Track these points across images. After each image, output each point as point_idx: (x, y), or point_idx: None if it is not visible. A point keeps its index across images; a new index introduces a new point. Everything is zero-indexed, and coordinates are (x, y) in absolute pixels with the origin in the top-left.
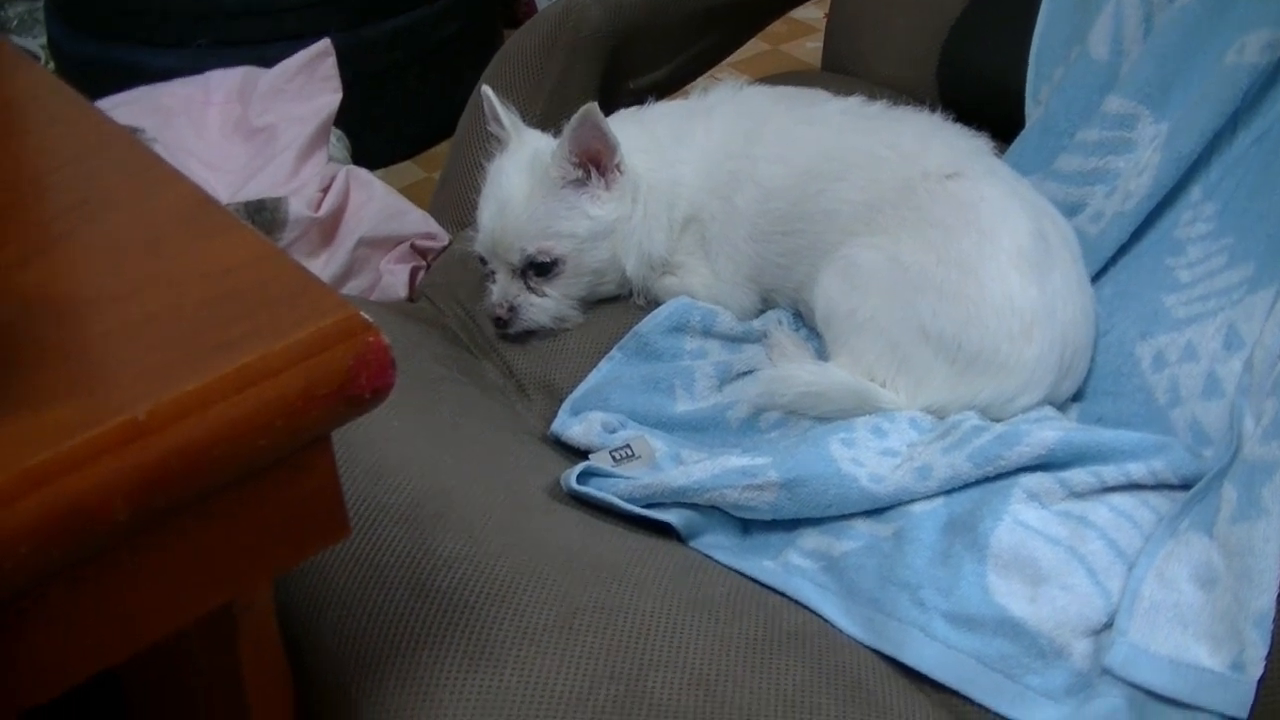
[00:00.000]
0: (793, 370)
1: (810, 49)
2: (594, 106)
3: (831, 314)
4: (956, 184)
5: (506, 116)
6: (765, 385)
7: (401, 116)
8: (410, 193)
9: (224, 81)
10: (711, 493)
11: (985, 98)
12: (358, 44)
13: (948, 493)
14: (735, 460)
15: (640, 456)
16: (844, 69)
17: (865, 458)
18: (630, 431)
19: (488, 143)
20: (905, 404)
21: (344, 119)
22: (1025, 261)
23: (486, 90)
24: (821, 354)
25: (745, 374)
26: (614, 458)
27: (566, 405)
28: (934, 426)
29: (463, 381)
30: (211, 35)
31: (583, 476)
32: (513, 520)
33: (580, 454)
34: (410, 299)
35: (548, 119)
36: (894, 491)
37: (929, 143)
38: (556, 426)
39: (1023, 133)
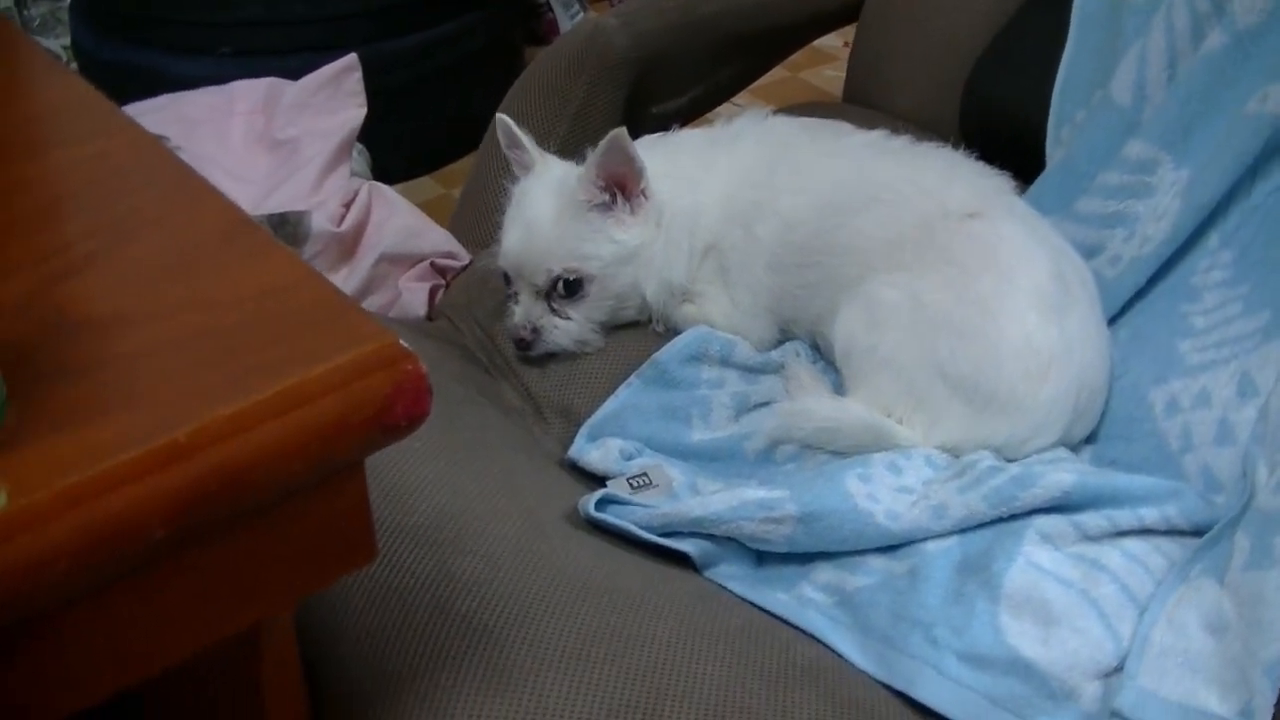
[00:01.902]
0: (810, 405)
1: (829, 77)
2: (623, 131)
3: (850, 350)
4: (977, 223)
5: (529, 142)
6: (782, 418)
7: (421, 132)
8: (427, 208)
9: (249, 92)
10: (728, 524)
11: (1007, 135)
12: (380, 58)
13: (962, 532)
14: (753, 493)
15: (657, 485)
16: (866, 100)
17: (881, 494)
18: (647, 459)
19: (509, 165)
20: (921, 441)
21: (363, 132)
22: (1044, 303)
23: (504, 118)
24: (838, 387)
25: (762, 405)
26: (631, 485)
27: (584, 431)
28: (949, 465)
29: (481, 403)
30: (235, 44)
31: (600, 503)
32: (531, 545)
33: (597, 479)
34: (429, 317)
35: (569, 144)
36: (909, 529)
37: (951, 180)
38: (574, 452)
39: (1044, 173)
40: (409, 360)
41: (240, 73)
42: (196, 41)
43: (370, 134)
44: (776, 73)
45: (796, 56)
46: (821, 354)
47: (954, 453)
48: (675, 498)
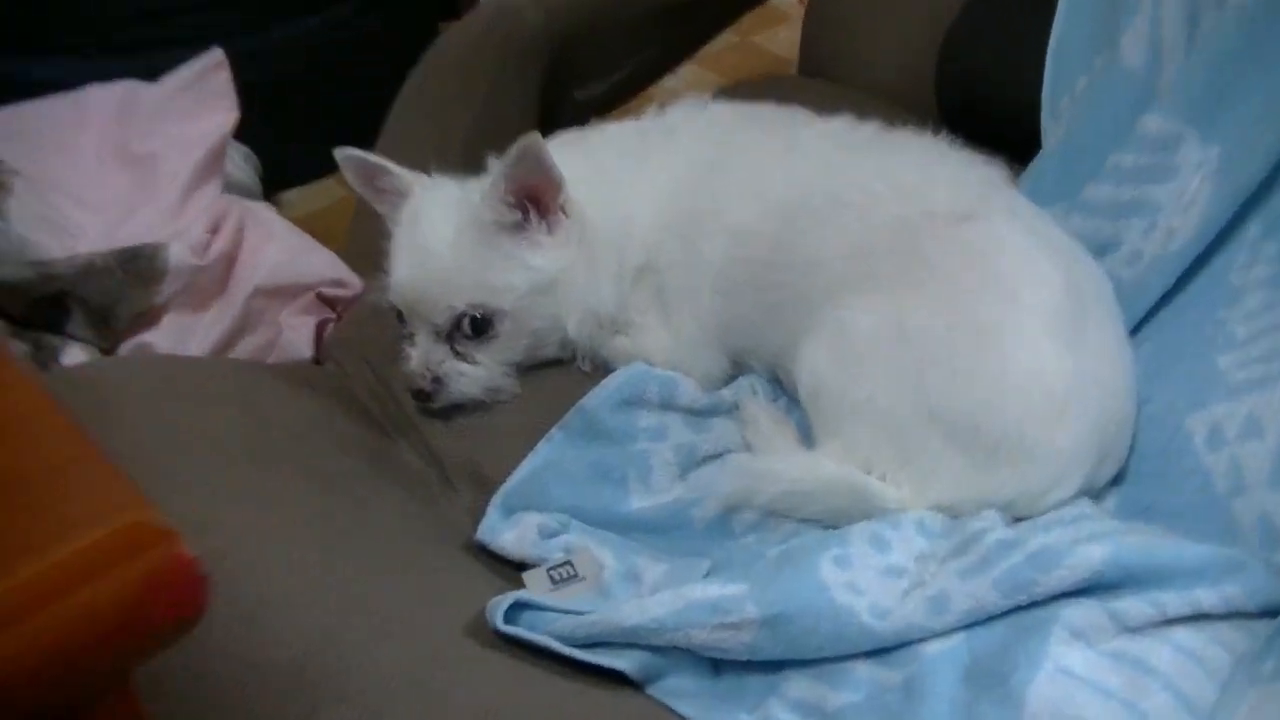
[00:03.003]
0: (773, 465)
1: (784, 39)
2: (536, 137)
3: (819, 391)
4: (970, 228)
5: (393, 165)
6: (739, 480)
7: (320, 127)
8: (333, 215)
9: (102, 100)
10: (674, 633)
11: (992, 110)
12: (266, 47)
13: (969, 626)
14: (702, 591)
15: (584, 577)
16: (824, 72)
17: (864, 581)
18: (572, 536)
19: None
20: (910, 502)
21: (252, 133)
22: (1056, 323)
23: (345, 151)
24: (805, 429)
25: (713, 458)
26: (552, 578)
27: (497, 502)
28: (946, 531)
29: (368, 475)
30: (95, 41)
31: (513, 609)
32: (423, 678)
33: (514, 564)
34: (316, 359)
35: (476, 139)
36: (902, 629)
37: (933, 175)
38: (484, 533)
39: (1040, 155)
40: (169, 541)
41: (103, 74)
42: (52, 39)
43: (260, 133)
44: (723, 37)
45: (745, 18)
46: (784, 388)
47: (951, 513)
48: (606, 593)
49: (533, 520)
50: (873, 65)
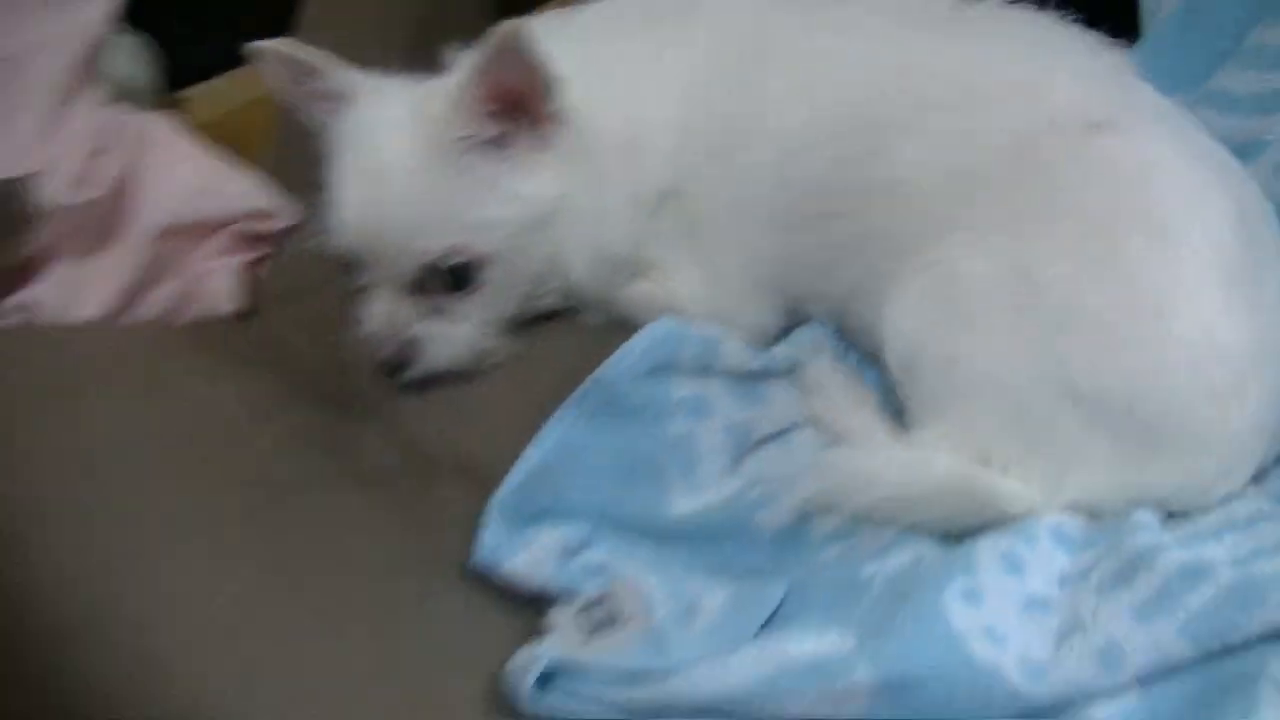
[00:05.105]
0: (870, 464)
1: None
2: (523, 24)
3: (917, 360)
4: (1108, 141)
5: (335, 70)
6: (823, 481)
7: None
8: (258, 114)
9: None
10: (763, 705)
11: None
12: None
13: (1146, 682)
14: (796, 646)
15: (630, 617)
16: None
17: (1005, 624)
18: (602, 553)
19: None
20: (1040, 500)
21: (149, 19)
22: (1230, 270)
23: (266, 45)
24: (884, 389)
25: (774, 438)
26: (586, 621)
27: (496, 509)
28: (1088, 539)
29: (319, 477)
30: None
31: (544, 678)
32: None
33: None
34: (245, 311)
35: (429, 17)
36: (1064, 691)
37: (1048, 67)
38: (485, 555)
39: (1152, 30)
40: None
41: None
42: None
43: (162, 19)
44: None
45: None
46: (854, 340)
47: (1091, 514)
48: (660, 641)
49: (551, 535)
50: None
